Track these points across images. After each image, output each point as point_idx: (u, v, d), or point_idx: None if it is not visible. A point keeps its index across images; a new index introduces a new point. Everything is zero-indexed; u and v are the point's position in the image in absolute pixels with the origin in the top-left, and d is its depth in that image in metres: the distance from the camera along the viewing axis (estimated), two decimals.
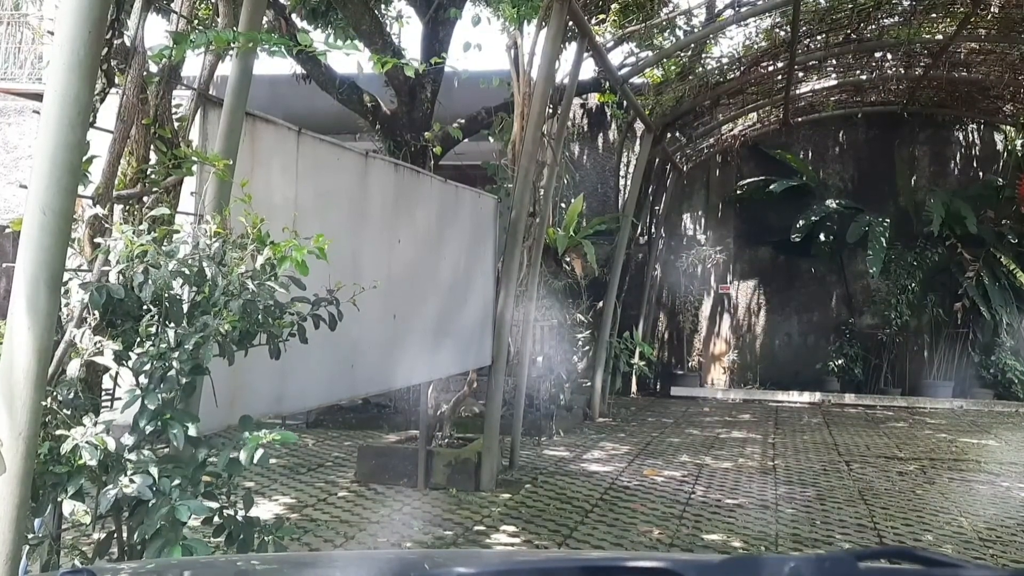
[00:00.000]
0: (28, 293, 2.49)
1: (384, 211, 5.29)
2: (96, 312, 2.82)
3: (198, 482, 2.80)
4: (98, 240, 2.92)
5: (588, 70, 9.96)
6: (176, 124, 3.32)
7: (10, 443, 2.47)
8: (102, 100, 2.99)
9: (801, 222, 12.79)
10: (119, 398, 2.89)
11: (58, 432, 2.65)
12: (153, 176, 3.17)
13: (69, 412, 2.72)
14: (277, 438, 2.78)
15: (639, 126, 11.86)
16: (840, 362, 13.03)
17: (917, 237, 12.98)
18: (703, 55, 11.09)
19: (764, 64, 10.96)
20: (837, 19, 9.91)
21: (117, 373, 2.95)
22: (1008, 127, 13.11)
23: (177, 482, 2.69)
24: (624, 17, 9.90)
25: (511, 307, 6.96)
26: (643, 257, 12.96)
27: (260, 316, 2.95)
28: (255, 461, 2.77)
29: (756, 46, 10.66)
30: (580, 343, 11.02)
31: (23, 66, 12.83)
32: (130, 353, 2.83)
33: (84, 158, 2.64)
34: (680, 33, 10.50)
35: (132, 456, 2.72)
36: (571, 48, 8.31)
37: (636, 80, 10.58)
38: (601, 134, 14.09)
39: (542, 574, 1.41)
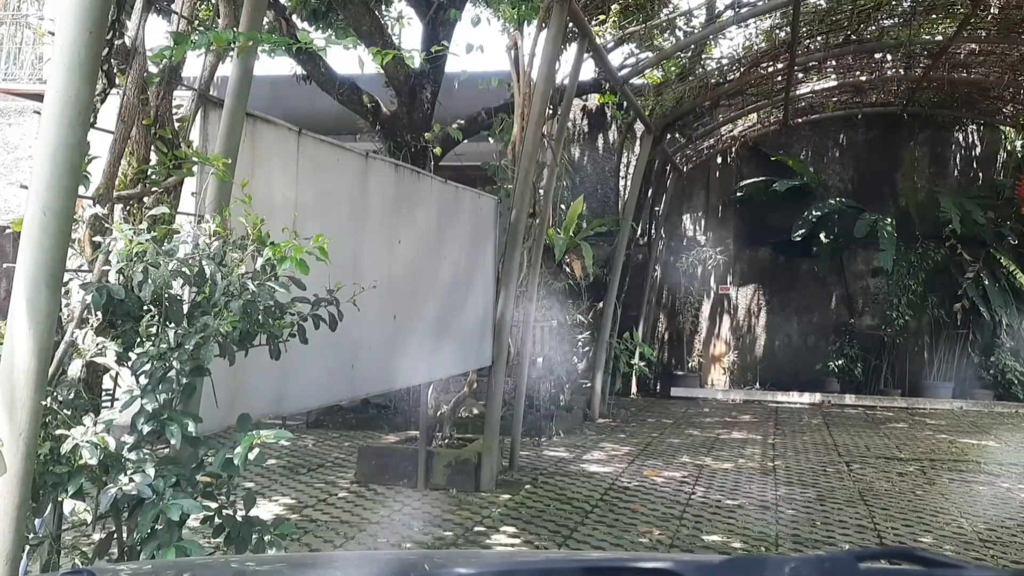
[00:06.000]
0: (28, 293, 2.49)
1: (384, 212, 5.29)
2: (96, 312, 2.82)
3: (195, 483, 2.80)
4: (98, 240, 2.92)
5: (588, 71, 9.98)
6: (177, 124, 3.32)
7: (10, 443, 2.47)
8: (103, 100, 2.99)
9: (802, 221, 12.79)
10: (119, 398, 2.89)
11: (58, 432, 2.65)
12: (153, 176, 3.17)
13: (69, 412, 2.72)
14: (271, 437, 2.77)
15: (639, 127, 11.87)
16: (840, 363, 13.03)
17: (918, 238, 12.99)
18: (703, 56, 11.09)
19: (764, 65, 10.96)
20: (837, 20, 9.92)
21: (117, 373, 2.95)
22: (1008, 128, 13.11)
23: (173, 482, 2.69)
24: (624, 18, 9.90)
25: (511, 308, 6.96)
26: (643, 258, 12.96)
27: (260, 316, 2.95)
28: (250, 460, 2.77)
29: (756, 47, 10.66)
30: (580, 344, 11.02)
31: (24, 66, 12.84)
32: (130, 353, 2.83)
33: (85, 158, 2.64)
34: (680, 34, 10.50)
35: (132, 456, 2.72)
36: (571, 49, 8.32)
37: (636, 81, 10.57)
38: (601, 135, 14.10)
39: (542, 575, 1.41)
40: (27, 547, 2.69)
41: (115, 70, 3.05)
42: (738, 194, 13.66)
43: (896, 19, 10.05)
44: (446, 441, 7.10)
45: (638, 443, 9.01)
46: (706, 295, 13.85)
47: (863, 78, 12.08)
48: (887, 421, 11.14)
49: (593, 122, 14.08)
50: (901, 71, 11.84)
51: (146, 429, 2.75)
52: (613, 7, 9.82)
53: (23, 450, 2.48)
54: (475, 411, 8.17)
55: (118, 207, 3.10)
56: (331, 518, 5.75)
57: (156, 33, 3.46)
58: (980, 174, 13.38)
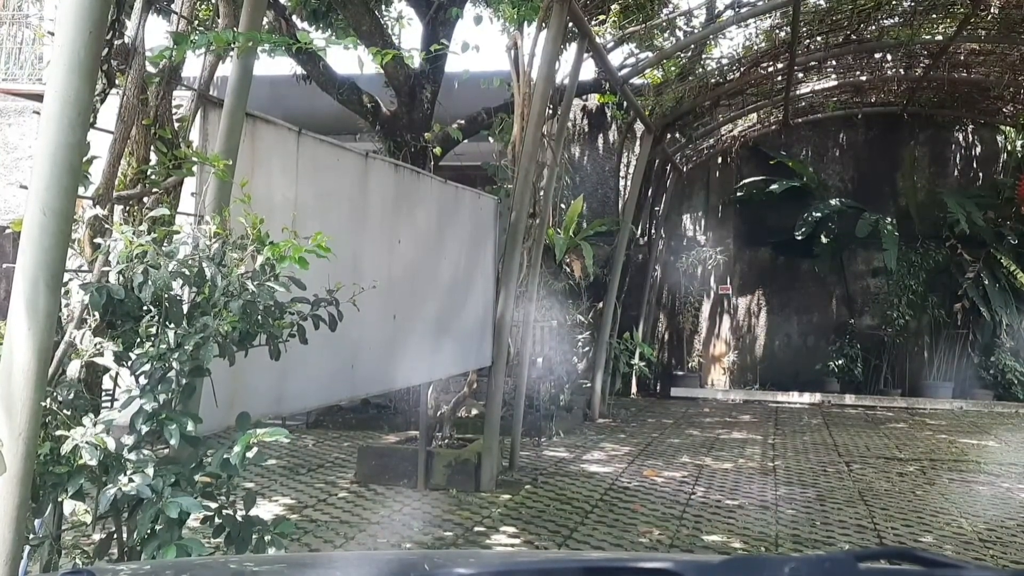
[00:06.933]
0: (28, 294, 2.49)
1: (384, 212, 5.29)
2: (96, 313, 2.82)
3: (195, 482, 2.80)
4: (98, 241, 2.92)
5: (588, 71, 9.98)
6: (176, 125, 3.32)
7: (10, 444, 2.47)
8: (102, 101, 2.99)
9: (803, 221, 12.79)
10: (119, 398, 2.89)
11: (58, 432, 2.65)
12: (153, 177, 3.17)
13: (69, 412, 2.72)
14: (268, 435, 2.77)
15: (639, 127, 11.86)
16: (840, 362, 13.03)
17: (919, 238, 12.99)
18: (703, 56, 11.09)
19: (764, 65, 10.97)
20: (837, 20, 9.92)
21: (117, 373, 2.95)
22: (1008, 128, 13.11)
23: (173, 482, 2.69)
24: (624, 18, 9.91)
25: (511, 308, 6.96)
26: (643, 258, 12.96)
27: (260, 317, 2.95)
28: (249, 459, 2.77)
29: (756, 47, 10.66)
30: (580, 344, 11.02)
31: (24, 66, 12.84)
32: (130, 354, 2.83)
33: (84, 159, 2.64)
34: (680, 34, 10.51)
35: (132, 456, 2.72)
36: (571, 49, 8.32)
37: (636, 81, 10.58)
38: (601, 135, 14.10)
39: (542, 575, 1.41)
40: (27, 547, 2.69)
41: (115, 70, 3.05)
42: (738, 194, 13.66)
43: (896, 19, 10.06)
44: (446, 441, 7.10)
45: (638, 443, 9.01)
46: (706, 295, 13.85)
47: (863, 78, 12.09)
48: (887, 421, 11.14)
49: (593, 122, 14.08)
50: (901, 71, 11.84)
51: (145, 429, 2.75)
52: (613, 7, 9.83)
53: (23, 450, 2.48)
54: (475, 411, 8.17)
55: (118, 207, 3.10)
56: (331, 518, 5.75)
57: (156, 33, 3.46)
58: (980, 174, 13.38)
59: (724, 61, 11.23)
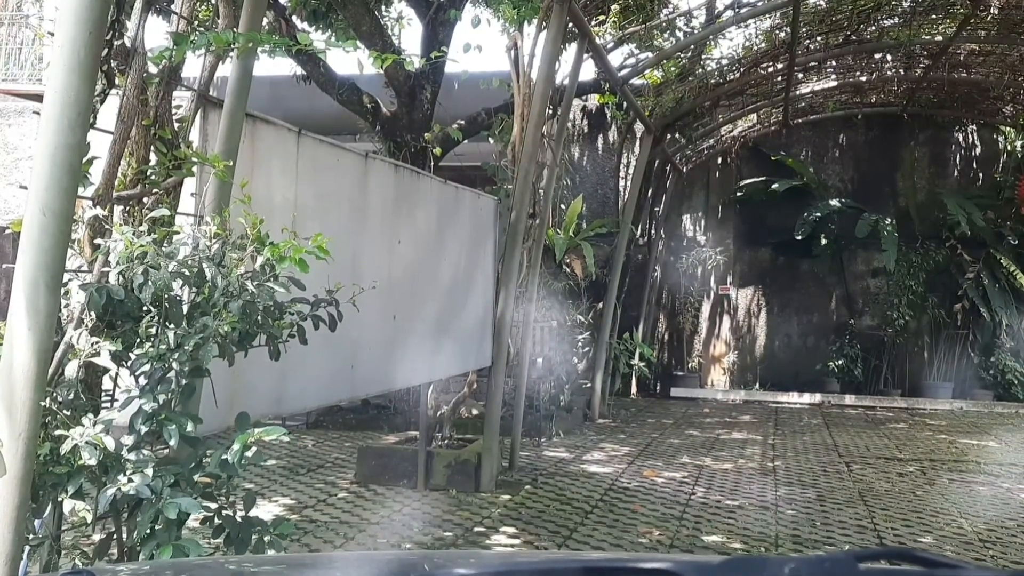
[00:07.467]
0: (28, 294, 2.49)
1: (384, 212, 5.29)
2: (96, 313, 2.82)
3: (194, 483, 2.79)
4: (98, 241, 2.92)
5: (588, 71, 9.98)
6: (176, 125, 3.32)
7: (10, 444, 2.47)
8: (102, 101, 2.99)
9: (803, 221, 12.79)
10: (118, 399, 2.89)
11: (58, 432, 2.65)
12: (153, 177, 3.17)
13: (69, 413, 2.72)
14: (266, 435, 2.77)
15: (639, 127, 11.87)
16: (840, 363, 13.03)
17: (918, 238, 12.99)
18: (703, 56, 11.09)
19: (764, 65, 10.97)
20: (837, 20, 9.92)
21: (117, 373, 2.95)
22: (1008, 128, 13.12)
23: (172, 482, 2.69)
24: (624, 18, 9.91)
25: (511, 308, 6.96)
26: (643, 258, 12.96)
27: (260, 317, 2.95)
28: (248, 459, 2.77)
29: (756, 47, 10.67)
30: (580, 344, 11.02)
31: (24, 66, 12.84)
32: (129, 354, 2.83)
33: (84, 159, 2.65)
34: (680, 34, 10.51)
35: (131, 456, 2.72)
36: (571, 49, 8.32)
37: (636, 81, 10.57)
38: (601, 135, 14.10)
39: (542, 575, 1.41)
40: (27, 547, 2.69)
41: (115, 70, 3.05)
42: (738, 194, 13.66)
43: (896, 19, 10.06)
44: (446, 442, 7.10)
45: (638, 443, 9.01)
46: (706, 295, 13.85)
47: (863, 78, 12.09)
48: (887, 421, 11.14)
49: (593, 122, 14.08)
50: (901, 71, 11.84)
51: (144, 429, 2.75)
52: (613, 7, 9.82)
53: (23, 450, 2.48)
54: (475, 411, 8.17)
55: (118, 207, 3.10)
56: (331, 518, 5.75)
57: (156, 33, 3.46)
58: (980, 174, 13.38)
59: (724, 61, 11.23)
